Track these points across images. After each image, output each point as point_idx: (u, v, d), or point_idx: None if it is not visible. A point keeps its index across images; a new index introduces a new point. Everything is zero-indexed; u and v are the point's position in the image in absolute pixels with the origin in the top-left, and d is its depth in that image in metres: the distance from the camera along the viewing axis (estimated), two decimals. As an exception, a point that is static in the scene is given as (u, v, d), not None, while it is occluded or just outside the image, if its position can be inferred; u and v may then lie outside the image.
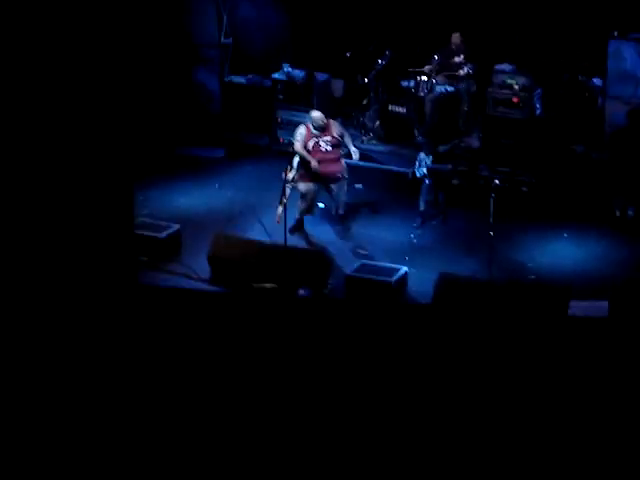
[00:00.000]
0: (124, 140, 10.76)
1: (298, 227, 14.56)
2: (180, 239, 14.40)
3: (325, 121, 14.42)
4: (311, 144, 14.39)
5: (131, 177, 11.50)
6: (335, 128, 14.55)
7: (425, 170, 14.61)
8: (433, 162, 14.54)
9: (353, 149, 14.52)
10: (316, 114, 14.51)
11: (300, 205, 14.55)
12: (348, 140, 14.63)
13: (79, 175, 10.00)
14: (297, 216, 14.55)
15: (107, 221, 10.57)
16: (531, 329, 12.24)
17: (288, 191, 14.03)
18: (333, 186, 14.54)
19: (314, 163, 14.25)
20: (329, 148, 14.39)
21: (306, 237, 14.57)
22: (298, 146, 14.40)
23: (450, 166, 14.83)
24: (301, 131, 14.50)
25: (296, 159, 14.44)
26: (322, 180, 14.44)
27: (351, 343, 10.12)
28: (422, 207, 14.85)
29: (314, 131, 14.40)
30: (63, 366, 9.39)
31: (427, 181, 14.68)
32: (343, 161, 14.61)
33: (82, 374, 9.33)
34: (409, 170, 15.10)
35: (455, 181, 15.59)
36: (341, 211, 14.72)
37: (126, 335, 10.04)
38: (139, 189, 15.84)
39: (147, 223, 14.50)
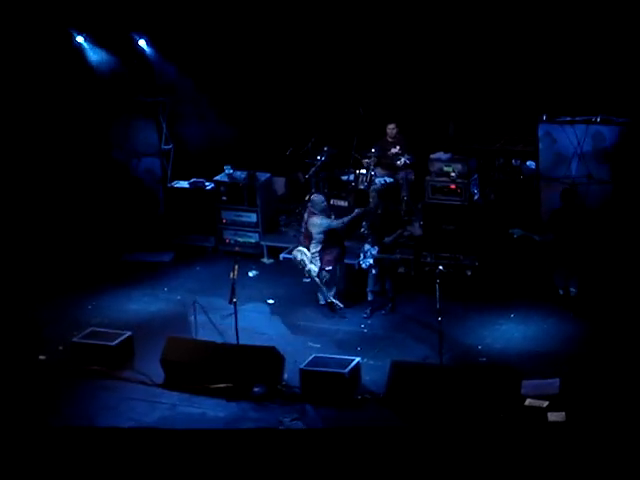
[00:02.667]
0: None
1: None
2: (132, 345, 14.42)
3: (326, 200, 15.69)
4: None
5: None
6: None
7: (371, 261, 14.84)
8: (379, 252, 14.78)
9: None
10: (318, 197, 15.47)
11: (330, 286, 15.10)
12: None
13: None
14: (329, 299, 15.12)
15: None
16: (485, 411, 12.39)
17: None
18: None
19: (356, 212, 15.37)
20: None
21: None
22: (341, 220, 15.30)
23: (398, 254, 15.08)
24: (321, 216, 15.20)
25: (315, 248, 15.08)
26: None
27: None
28: (370, 297, 15.04)
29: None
30: None
31: (374, 271, 14.89)
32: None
33: None
34: (355, 262, 15.33)
35: (401, 269, 15.82)
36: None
37: None
38: (88, 298, 15.97)
39: (98, 332, 14.52)
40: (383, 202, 15.00)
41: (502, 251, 15.52)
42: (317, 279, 15.04)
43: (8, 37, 16.98)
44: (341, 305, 15.06)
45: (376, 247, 14.81)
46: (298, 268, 15.14)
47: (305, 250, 15.06)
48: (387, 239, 14.79)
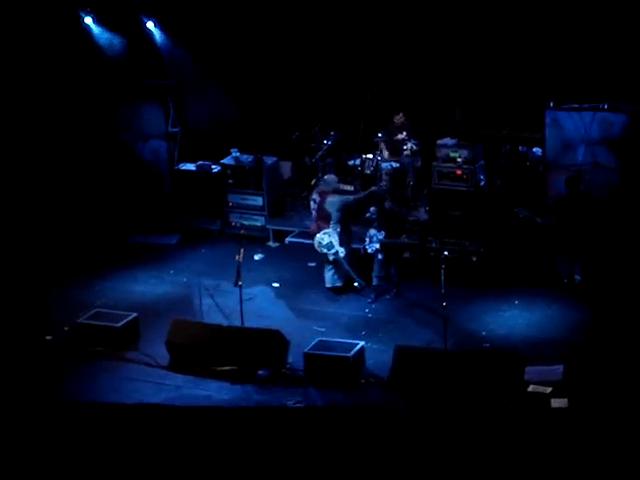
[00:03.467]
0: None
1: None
2: (138, 327, 14.47)
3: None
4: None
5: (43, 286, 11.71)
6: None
7: (377, 245, 14.88)
8: (386, 236, 14.82)
9: None
10: (331, 177, 15.67)
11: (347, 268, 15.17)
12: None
13: None
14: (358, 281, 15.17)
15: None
16: (488, 396, 12.43)
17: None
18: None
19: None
20: None
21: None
22: (357, 196, 15.60)
23: (405, 239, 15.11)
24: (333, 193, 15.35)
25: (335, 229, 15.13)
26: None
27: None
28: (375, 282, 15.08)
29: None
30: None
31: (379, 256, 14.93)
32: None
33: None
34: (360, 247, 15.37)
35: (406, 254, 15.85)
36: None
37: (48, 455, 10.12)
38: (95, 279, 16.02)
39: (103, 313, 14.58)
40: (393, 186, 15.05)
41: (507, 237, 15.54)
42: (345, 261, 15.04)
43: (16, 18, 16.97)
44: (363, 283, 15.12)
45: (382, 232, 14.86)
46: (321, 252, 15.08)
47: (331, 231, 15.06)
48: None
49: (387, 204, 14.97)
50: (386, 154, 16.85)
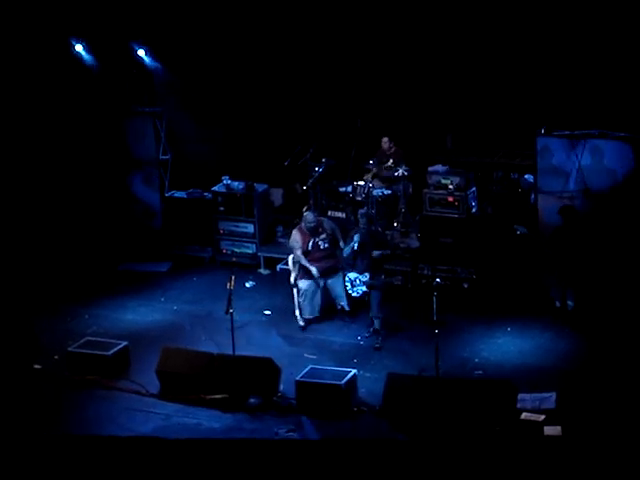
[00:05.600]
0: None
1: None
2: (128, 355, 14.38)
3: (317, 221, 15.02)
4: (310, 245, 14.94)
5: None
6: (326, 224, 15.18)
7: (364, 288, 14.64)
8: (370, 277, 14.56)
9: (341, 243, 15.04)
10: (309, 216, 15.10)
11: (303, 304, 14.93)
12: (339, 234, 15.18)
13: None
14: (305, 316, 14.97)
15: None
16: (481, 425, 12.37)
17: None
18: (330, 281, 15.03)
19: (315, 271, 14.84)
20: (327, 245, 15.01)
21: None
22: (298, 253, 14.91)
23: (383, 277, 14.73)
24: (296, 238, 14.97)
25: (292, 259, 14.97)
26: (322, 275, 14.98)
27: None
28: (377, 324, 14.55)
29: (307, 232, 14.96)
30: None
31: (374, 295, 14.52)
32: (337, 253, 15.15)
33: None
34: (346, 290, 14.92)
35: (397, 281, 15.81)
36: (347, 307, 15.07)
37: None
38: (85, 307, 15.94)
39: (93, 341, 14.49)
40: (370, 225, 14.78)
41: (499, 264, 15.51)
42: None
43: (7, 46, 16.97)
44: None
45: (366, 274, 14.63)
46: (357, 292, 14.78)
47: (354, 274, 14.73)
48: (375, 252, 14.47)
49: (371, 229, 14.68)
50: (374, 182, 16.83)
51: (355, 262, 14.70)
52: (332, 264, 15.07)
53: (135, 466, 11.10)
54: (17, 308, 15.64)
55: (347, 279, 14.77)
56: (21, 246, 16.99)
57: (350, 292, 14.83)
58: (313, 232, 15.01)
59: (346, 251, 14.67)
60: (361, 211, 15.15)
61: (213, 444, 11.91)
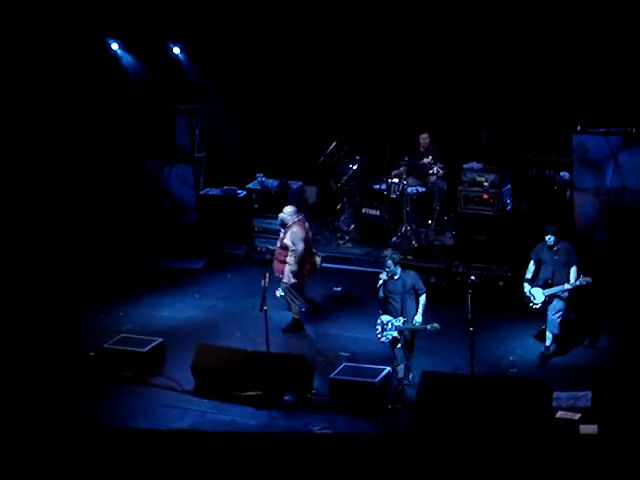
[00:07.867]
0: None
1: (298, 327, 14.91)
2: (163, 352, 14.45)
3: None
4: (310, 236, 15.12)
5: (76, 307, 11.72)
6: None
7: (394, 333, 13.28)
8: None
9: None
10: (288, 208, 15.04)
11: (296, 302, 14.87)
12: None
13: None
14: (295, 316, 14.92)
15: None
16: (516, 423, 12.31)
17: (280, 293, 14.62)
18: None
19: (319, 259, 14.99)
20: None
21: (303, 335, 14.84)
22: (301, 247, 14.81)
23: (435, 323, 13.16)
24: (301, 234, 14.85)
25: (293, 259, 14.77)
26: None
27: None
28: (400, 374, 13.34)
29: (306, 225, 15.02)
30: None
31: (400, 344, 13.28)
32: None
33: None
34: (376, 334, 13.41)
35: (432, 279, 15.77)
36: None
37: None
38: (119, 305, 16.02)
39: (129, 338, 14.57)
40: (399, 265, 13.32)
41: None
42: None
43: (42, 44, 17.05)
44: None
45: (400, 318, 13.28)
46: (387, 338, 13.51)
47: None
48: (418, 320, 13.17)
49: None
50: (409, 179, 16.80)
51: (399, 305, 13.26)
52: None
53: (172, 459, 11.12)
54: (63, 304, 15.68)
55: (378, 322, 13.41)
56: (57, 243, 17.05)
57: (379, 336, 13.40)
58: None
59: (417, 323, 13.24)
60: (386, 252, 13.45)
61: (250, 438, 11.91)
